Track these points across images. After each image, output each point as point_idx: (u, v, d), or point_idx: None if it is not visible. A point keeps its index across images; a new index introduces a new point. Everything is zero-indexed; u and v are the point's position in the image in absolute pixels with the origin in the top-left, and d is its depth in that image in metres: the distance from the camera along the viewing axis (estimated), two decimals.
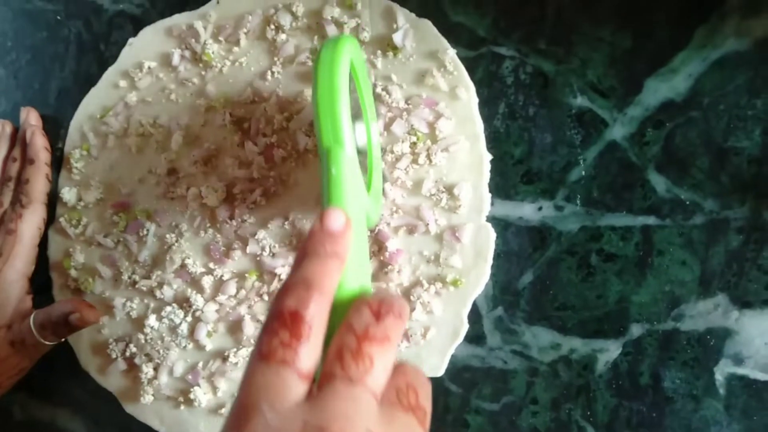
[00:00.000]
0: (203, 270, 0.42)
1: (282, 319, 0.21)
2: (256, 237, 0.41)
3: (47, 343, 0.41)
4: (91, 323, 0.40)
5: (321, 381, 0.21)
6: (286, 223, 0.41)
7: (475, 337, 0.38)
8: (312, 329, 0.21)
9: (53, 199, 0.46)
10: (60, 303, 0.41)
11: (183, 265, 0.42)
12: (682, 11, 0.36)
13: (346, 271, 0.24)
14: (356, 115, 0.34)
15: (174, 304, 0.42)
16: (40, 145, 0.45)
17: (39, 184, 0.44)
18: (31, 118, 0.47)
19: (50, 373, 0.45)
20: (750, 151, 0.35)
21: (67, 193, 0.45)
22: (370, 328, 0.22)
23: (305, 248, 0.24)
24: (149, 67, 0.45)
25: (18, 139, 0.47)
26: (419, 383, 0.23)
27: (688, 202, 0.35)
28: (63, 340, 0.42)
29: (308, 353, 0.21)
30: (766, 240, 0.34)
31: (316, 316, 0.22)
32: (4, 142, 0.47)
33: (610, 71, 0.37)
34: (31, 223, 0.44)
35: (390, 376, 0.22)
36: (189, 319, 0.42)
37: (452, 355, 0.38)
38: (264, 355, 0.21)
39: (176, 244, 0.42)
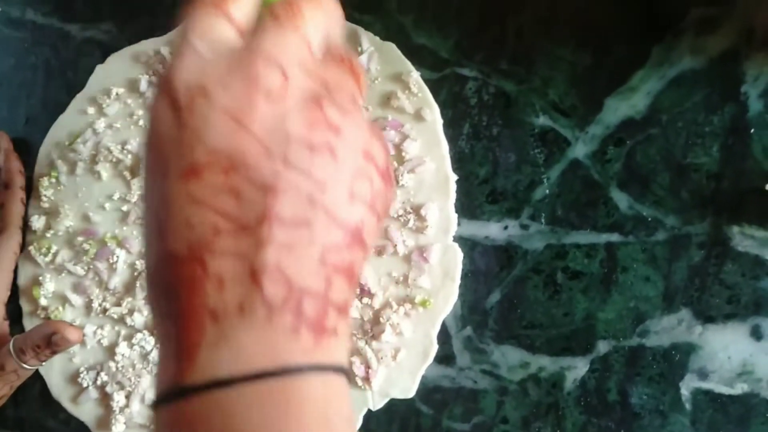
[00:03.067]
0: None
1: None
2: None
3: (28, 367, 0.41)
4: (74, 342, 0.40)
5: (252, 31, 0.21)
6: None
7: (444, 357, 0.38)
8: None
9: (24, 227, 0.45)
10: (40, 326, 0.41)
11: None
12: (638, 30, 0.37)
13: None
14: None
15: (145, 331, 0.42)
16: (14, 169, 0.45)
17: (14, 209, 0.44)
18: (2, 141, 0.46)
19: (22, 403, 0.44)
20: (708, 167, 0.35)
21: (36, 221, 0.45)
22: None
23: None
24: (117, 93, 0.45)
25: None
26: (350, 54, 0.22)
27: (650, 219, 0.36)
28: (42, 365, 0.42)
29: (237, 7, 0.21)
30: (726, 255, 0.35)
31: None
32: None
33: (571, 90, 0.38)
34: (7, 247, 0.43)
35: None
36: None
37: (423, 376, 0.38)
38: (196, 5, 0.21)
39: None
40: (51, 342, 0.40)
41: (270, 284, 0.18)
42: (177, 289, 0.18)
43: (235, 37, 0.20)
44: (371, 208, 0.20)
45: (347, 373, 0.20)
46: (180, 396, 0.18)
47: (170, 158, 0.19)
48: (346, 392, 0.19)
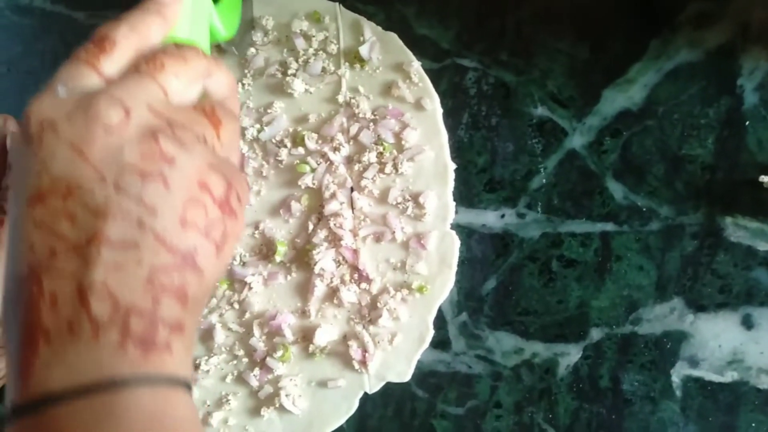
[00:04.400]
0: None
1: (92, 40, 0.24)
2: None
3: None
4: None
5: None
6: (256, 232, 0.42)
7: (440, 342, 0.38)
8: (115, 47, 0.23)
9: None
10: None
11: None
12: (636, 24, 0.38)
13: (173, 33, 0.27)
14: None
15: None
16: None
17: None
18: (9, 125, 0.47)
19: None
20: (703, 159, 0.36)
21: None
22: (168, 49, 0.24)
23: (138, 5, 0.26)
24: None
25: None
26: (220, 105, 0.25)
27: (644, 209, 0.36)
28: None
29: (109, 61, 0.23)
30: (719, 245, 0.35)
31: (121, 40, 0.23)
32: None
33: (569, 82, 0.38)
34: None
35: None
36: None
37: (418, 361, 0.38)
38: (71, 59, 0.23)
39: None
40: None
41: (96, 302, 0.19)
42: (17, 309, 0.20)
43: (99, 84, 0.23)
44: (206, 236, 0.21)
45: (188, 385, 0.21)
46: (18, 414, 0.19)
47: (21, 186, 0.21)
48: (184, 403, 0.20)
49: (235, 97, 0.27)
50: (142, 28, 0.25)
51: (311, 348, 0.39)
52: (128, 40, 0.24)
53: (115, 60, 0.23)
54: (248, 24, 0.42)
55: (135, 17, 0.25)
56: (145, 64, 0.23)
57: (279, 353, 0.40)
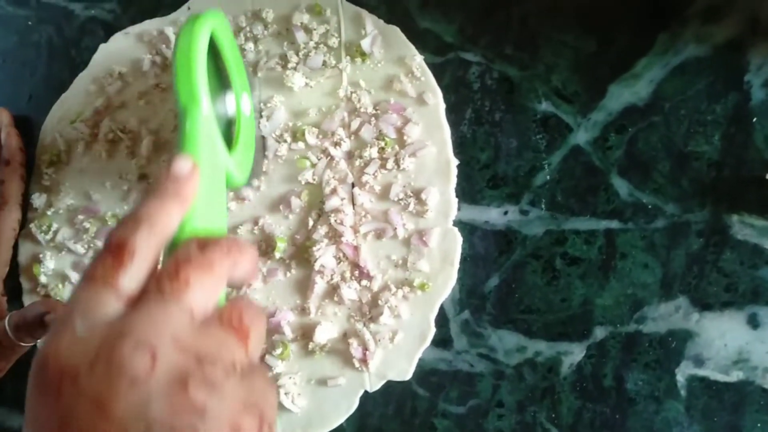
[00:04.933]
0: None
1: (107, 249, 0.22)
2: None
3: (23, 344, 0.41)
4: None
5: (137, 300, 0.22)
6: (256, 228, 0.41)
7: (442, 340, 0.38)
8: (135, 257, 0.22)
9: (24, 204, 0.45)
10: (34, 304, 0.41)
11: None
12: (643, 18, 0.37)
13: (192, 213, 0.26)
14: (225, 85, 0.37)
15: None
16: (15, 146, 0.45)
17: (14, 185, 0.44)
18: (3, 118, 0.46)
19: (21, 381, 0.44)
20: (710, 156, 0.35)
21: (37, 199, 0.45)
22: (192, 256, 0.23)
23: (149, 188, 0.25)
24: (120, 73, 0.45)
25: None
26: (247, 307, 0.23)
27: (650, 206, 0.36)
28: (37, 342, 0.42)
29: (129, 277, 0.22)
30: (725, 243, 0.35)
31: (141, 246, 0.22)
32: None
33: (574, 77, 0.38)
34: (6, 223, 0.44)
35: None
36: None
37: (420, 359, 0.38)
38: (87, 277, 0.22)
39: None
40: (44, 321, 0.40)
41: None
42: None
43: (119, 309, 0.21)
44: None
45: None
46: None
47: None
48: None
49: (255, 270, 0.26)
50: (160, 223, 0.24)
51: (311, 346, 0.39)
52: (148, 245, 0.23)
53: (134, 273, 0.22)
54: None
55: (153, 208, 0.24)
56: (169, 283, 0.21)
57: (278, 351, 0.39)
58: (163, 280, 0.22)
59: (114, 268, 0.22)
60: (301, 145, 0.41)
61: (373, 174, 0.39)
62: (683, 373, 0.34)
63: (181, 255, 0.23)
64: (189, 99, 0.30)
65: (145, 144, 0.43)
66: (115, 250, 0.22)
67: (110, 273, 0.22)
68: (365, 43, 0.40)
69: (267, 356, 0.39)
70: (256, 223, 0.41)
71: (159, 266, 0.23)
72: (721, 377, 0.34)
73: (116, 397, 0.19)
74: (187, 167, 0.26)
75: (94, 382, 0.19)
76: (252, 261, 0.25)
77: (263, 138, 0.41)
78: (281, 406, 0.39)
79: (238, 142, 0.36)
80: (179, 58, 0.30)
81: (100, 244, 0.43)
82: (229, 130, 0.36)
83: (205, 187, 0.27)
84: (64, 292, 0.44)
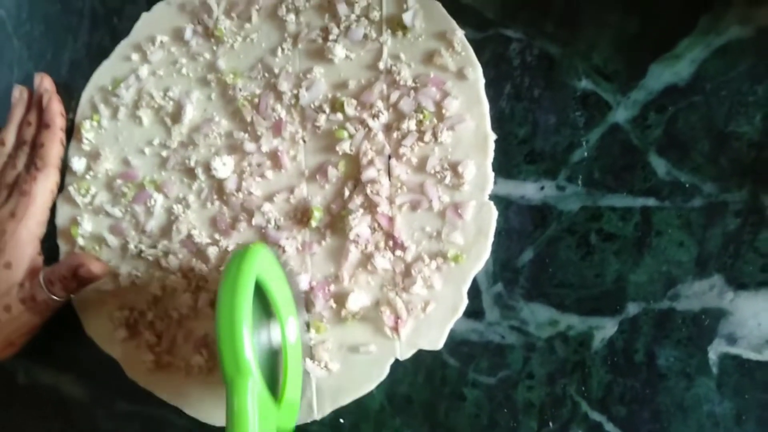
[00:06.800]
0: (209, 241, 0.43)
1: None
2: (262, 210, 0.42)
3: (57, 298, 0.42)
4: (98, 275, 0.41)
5: None
6: (291, 196, 0.42)
7: (474, 312, 0.38)
8: None
9: (63, 167, 0.46)
10: (67, 257, 0.42)
11: (189, 236, 0.43)
12: None
13: None
14: (269, 314, 0.35)
15: (179, 273, 0.43)
16: (56, 110, 0.46)
17: (54, 149, 0.45)
18: (45, 83, 0.47)
19: (55, 339, 0.45)
20: (750, 136, 0.36)
21: (77, 163, 0.46)
22: None
23: None
24: (162, 41, 0.46)
25: (33, 103, 0.47)
26: None
27: (687, 185, 0.36)
28: (72, 296, 0.43)
29: None
30: (762, 223, 0.35)
31: None
32: (20, 107, 0.47)
33: (615, 55, 0.38)
34: (45, 185, 0.45)
35: None
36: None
37: (451, 330, 0.38)
38: None
39: (183, 215, 0.43)
40: (77, 274, 0.41)
41: None
42: None
43: None
44: None
45: None
46: None
47: None
48: None
49: None
50: None
51: (343, 313, 0.39)
52: None
53: None
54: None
55: None
56: None
57: (313, 332, 0.40)
58: None
59: None
60: (339, 116, 0.41)
61: (411, 146, 0.40)
62: (715, 350, 0.35)
63: None
64: (236, 370, 0.29)
65: (185, 112, 0.44)
66: None
67: None
68: (407, 17, 0.41)
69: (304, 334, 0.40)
70: (291, 191, 0.42)
71: None
72: (753, 356, 0.34)
73: None
74: None
75: None
76: None
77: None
78: (312, 372, 0.39)
79: (286, 382, 0.34)
80: (223, 326, 0.29)
81: (137, 208, 0.44)
82: (273, 361, 0.35)
83: None
84: (100, 254, 0.45)
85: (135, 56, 0.46)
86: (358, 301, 0.39)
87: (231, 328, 0.29)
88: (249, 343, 0.29)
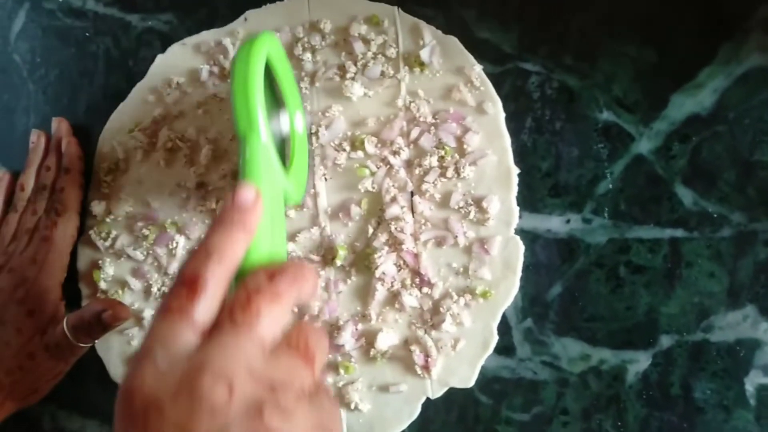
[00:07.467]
0: None
1: (181, 281, 0.24)
2: None
3: (81, 345, 0.42)
4: (123, 320, 0.41)
5: (211, 330, 0.23)
6: (315, 235, 0.42)
7: (504, 348, 0.38)
8: (207, 288, 0.24)
9: (83, 211, 0.46)
10: (91, 303, 0.42)
11: None
12: (705, 28, 0.37)
13: (257, 241, 0.27)
14: (279, 104, 0.38)
15: None
16: (74, 154, 0.46)
17: (73, 193, 0.45)
18: (63, 127, 0.47)
19: (80, 384, 0.45)
20: None
21: (97, 206, 0.46)
22: (261, 286, 0.24)
23: (216, 218, 0.27)
24: (178, 83, 0.46)
25: (51, 148, 0.47)
26: (311, 331, 0.25)
27: (715, 215, 0.36)
28: (95, 342, 0.43)
29: (203, 308, 0.23)
30: None
31: (212, 278, 0.24)
32: (39, 151, 0.47)
33: (635, 86, 0.38)
34: (65, 231, 0.44)
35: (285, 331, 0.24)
36: None
37: (482, 367, 0.38)
38: (163, 309, 0.24)
39: None
40: (101, 319, 0.40)
41: None
42: None
43: (195, 341, 0.23)
44: None
45: None
46: None
47: None
48: None
49: (316, 292, 0.28)
50: (229, 254, 0.25)
51: (372, 352, 0.39)
52: (219, 276, 0.24)
53: (207, 303, 0.24)
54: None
55: (220, 239, 0.25)
56: (241, 314, 0.23)
57: (341, 373, 0.39)
58: (235, 311, 0.23)
59: (188, 300, 0.23)
60: (360, 154, 0.41)
61: (433, 182, 0.40)
62: (752, 382, 0.35)
63: (251, 285, 0.24)
64: (248, 127, 0.31)
65: (203, 153, 0.44)
66: (188, 282, 0.24)
67: (185, 305, 0.23)
68: (424, 53, 0.41)
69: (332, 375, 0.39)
70: (314, 230, 0.42)
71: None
72: None
73: (198, 427, 0.20)
74: (251, 196, 0.27)
75: (177, 413, 0.21)
76: (314, 285, 0.26)
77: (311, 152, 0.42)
78: (343, 413, 0.39)
79: (293, 161, 0.37)
80: (237, 88, 0.31)
81: (159, 250, 0.44)
82: (283, 148, 0.37)
83: (267, 213, 0.28)
84: (123, 298, 0.44)
85: (151, 98, 0.46)
86: (387, 340, 0.39)
87: (244, 88, 0.31)
88: (261, 102, 0.31)
